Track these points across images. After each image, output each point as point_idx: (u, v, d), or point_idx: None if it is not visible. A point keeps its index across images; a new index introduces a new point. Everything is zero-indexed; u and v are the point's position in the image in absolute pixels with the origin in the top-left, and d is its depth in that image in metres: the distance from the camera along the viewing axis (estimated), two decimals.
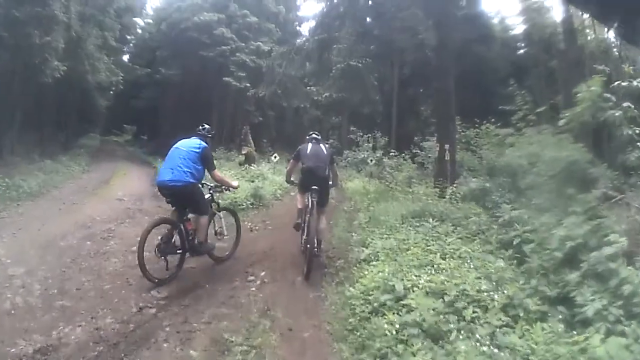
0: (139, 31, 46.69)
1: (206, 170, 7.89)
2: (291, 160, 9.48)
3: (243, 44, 36.54)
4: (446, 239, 8.93)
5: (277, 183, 19.23)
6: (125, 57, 46.30)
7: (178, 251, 7.61)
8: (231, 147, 33.44)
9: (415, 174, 21.94)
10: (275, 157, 24.24)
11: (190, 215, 7.87)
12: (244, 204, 15.05)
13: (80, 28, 25.33)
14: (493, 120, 20.45)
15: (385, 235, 9.89)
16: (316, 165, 8.60)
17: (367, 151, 30.62)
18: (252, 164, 23.34)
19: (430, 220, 10.55)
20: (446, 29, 17.79)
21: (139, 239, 7.09)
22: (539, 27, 30.15)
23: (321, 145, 9.03)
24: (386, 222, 11.15)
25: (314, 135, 9.21)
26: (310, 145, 8.95)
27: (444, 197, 13.50)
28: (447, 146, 16.84)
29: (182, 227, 7.62)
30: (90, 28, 27.39)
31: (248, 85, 34.27)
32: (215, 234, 8.70)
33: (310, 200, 8.36)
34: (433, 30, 19.08)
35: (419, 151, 25.27)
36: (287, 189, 17.50)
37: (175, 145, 7.73)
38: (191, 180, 7.39)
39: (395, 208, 12.73)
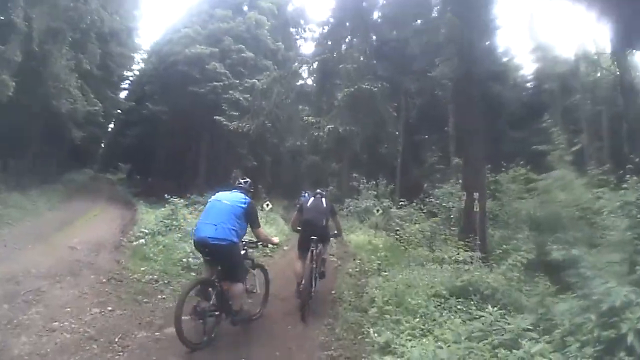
0: (130, 62, 44.82)
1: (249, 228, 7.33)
2: (296, 213, 9.89)
3: (237, 81, 33.99)
4: (525, 345, 5.34)
5: (270, 235, 16.07)
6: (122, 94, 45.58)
7: (216, 312, 6.88)
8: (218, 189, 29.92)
9: (429, 226, 18.70)
10: (267, 205, 21.10)
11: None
12: None
13: (44, 43, 22.29)
14: (522, 162, 18.25)
15: (419, 331, 6.73)
16: (315, 217, 9.18)
17: (370, 199, 28.01)
18: None
19: (485, 305, 7.17)
20: (470, 58, 15.51)
21: (176, 301, 6.48)
22: (553, 63, 28.06)
23: (322, 199, 9.58)
24: (415, 305, 7.80)
25: (318, 191, 9.94)
26: (312, 199, 9.57)
27: (486, 263, 10.47)
28: (476, 195, 14.16)
29: (219, 286, 6.87)
30: (59, 45, 24.04)
31: (240, 124, 31.32)
32: (247, 291, 7.71)
33: (310, 252, 8.94)
34: (457, 60, 16.48)
35: (431, 200, 22.33)
36: (277, 247, 14.50)
37: (216, 198, 7.17)
38: (235, 239, 6.79)
39: (421, 278, 9.61)
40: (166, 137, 39.24)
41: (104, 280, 9.56)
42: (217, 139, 36.36)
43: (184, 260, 11.14)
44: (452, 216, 19.45)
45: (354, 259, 15.33)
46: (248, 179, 7.85)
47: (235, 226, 6.73)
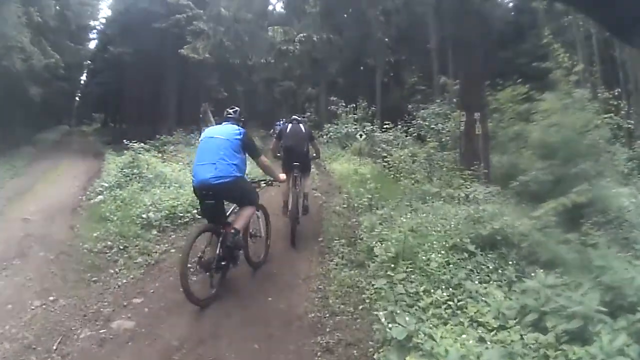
0: (95, 11, 43.28)
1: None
2: (274, 140, 10.23)
3: (201, 11, 31.30)
4: (601, 336, 3.65)
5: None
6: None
7: (222, 263, 6.35)
8: (193, 129, 28.06)
9: (422, 152, 17.04)
10: None
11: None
12: (188, 212, 10.14)
13: None
14: (520, 80, 16.45)
15: (447, 310, 4.90)
16: (295, 144, 9.28)
17: (351, 124, 26.72)
18: None
19: (525, 264, 5.66)
20: None
21: (180, 254, 6.00)
22: None
23: (300, 125, 9.59)
24: (433, 266, 5.97)
25: (294, 117, 9.98)
26: (290, 125, 9.59)
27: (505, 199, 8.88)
28: (477, 115, 12.58)
29: (224, 232, 6.37)
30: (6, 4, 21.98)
31: (207, 56, 29.20)
32: (250, 236, 7.36)
33: (293, 177, 9.04)
34: None
35: (418, 122, 20.89)
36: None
37: (207, 135, 6.64)
38: (238, 174, 6.30)
39: (430, 222, 7.90)
40: (133, 80, 37.23)
41: (52, 257, 7.82)
42: (184, 75, 34.52)
43: (144, 216, 9.44)
44: (443, 140, 17.95)
45: (340, 192, 13.92)
46: (236, 107, 7.22)
47: (235, 160, 6.29)
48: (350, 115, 27.24)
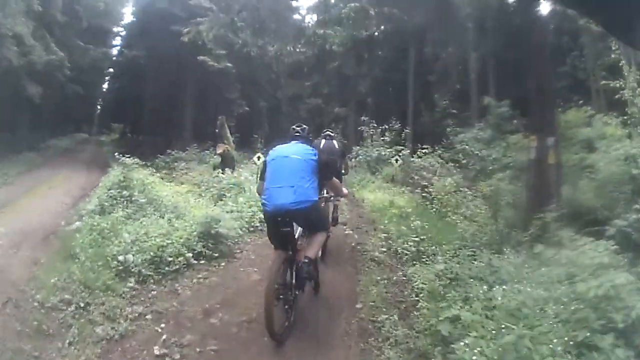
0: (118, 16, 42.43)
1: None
2: None
3: (224, 15, 28.87)
4: None
5: (259, 202, 12.42)
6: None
7: (297, 292, 5.94)
8: (210, 144, 25.93)
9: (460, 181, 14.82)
10: (259, 157, 16.97)
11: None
12: (181, 256, 7.72)
13: None
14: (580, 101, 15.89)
15: None
16: (330, 159, 8.48)
17: (382, 146, 24.59)
18: (229, 168, 17.34)
19: None
20: None
21: (265, 288, 5.28)
22: None
23: (334, 141, 9.56)
24: None
25: (327, 132, 9.85)
26: (323, 141, 9.45)
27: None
28: (550, 140, 10.18)
29: (297, 262, 5.84)
30: None
31: (229, 65, 27.15)
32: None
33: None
34: None
35: (456, 146, 19.14)
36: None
37: (280, 154, 5.96)
38: (315, 197, 5.82)
39: (527, 295, 5.20)
40: (150, 88, 35.32)
41: None
42: (203, 85, 32.58)
43: (121, 258, 7.03)
44: (490, 169, 15.81)
45: (375, 229, 11.63)
46: (304, 125, 6.69)
47: (313, 183, 5.81)
48: (381, 138, 25.09)
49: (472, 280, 6.20)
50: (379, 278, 7.61)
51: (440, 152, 19.93)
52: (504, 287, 5.53)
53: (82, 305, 5.75)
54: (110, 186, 11.39)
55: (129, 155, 12.31)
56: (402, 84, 33.16)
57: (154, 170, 16.99)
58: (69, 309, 5.64)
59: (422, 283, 6.73)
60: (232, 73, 28.21)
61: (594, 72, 24.25)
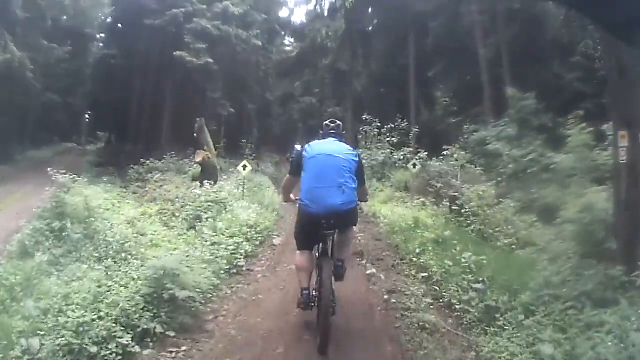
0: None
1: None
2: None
3: (204, 6, 27.35)
4: None
5: (244, 227, 10.08)
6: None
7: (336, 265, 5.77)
8: (190, 151, 22.61)
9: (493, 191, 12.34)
10: (244, 167, 14.41)
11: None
12: (113, 340, 4.61)
13: None
14: None
15: None
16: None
17: (387, 149, 21.99)
18: (210, 180, 14.12)
19: None
20: None
21: (320, 287, 5.10)
22: None
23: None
24: None
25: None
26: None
27: None
28: None
29: (331, 265, 5.56)
30: None
31: (210, 61, 24.71)
32: None
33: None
34: None
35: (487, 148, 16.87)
36: (255, 252, 9.41)
37: (322, 152, 5.50)
38: (356, 199, 5.60)
39: None
40: (130, 92, 33.21)
41: None
42: (182, 85, 29.81)
43: (24, 343, 4.23)
44: (529, 171, 13.57)
45: (404, 262, 8.85)
46: (337, 121, 6.08)
47: (354, 185, 5.40)
48: (387, 139, 22.24)
49: None
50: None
51: (458, 153, 16.92)
52: None
53: None
54: (41, 213, 8.54)
55: (109, 167, 9.92)
56: (400, 80, 31.20)
57: (124, 185, 16.16)
58: None
59: None
60: (214, 70, 25.38)
61: None
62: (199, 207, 11.17)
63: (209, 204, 11.35)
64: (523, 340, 4.86)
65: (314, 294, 5.31)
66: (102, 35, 41.83)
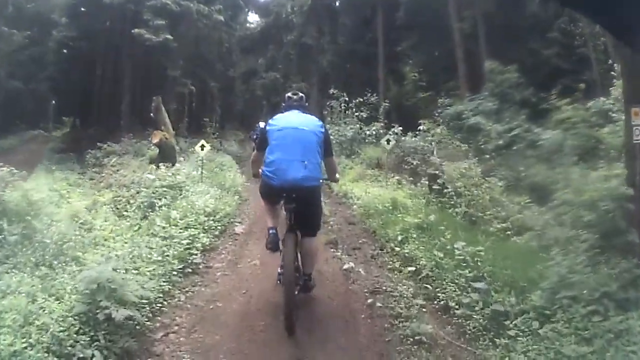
0: None
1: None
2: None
3: None
4: None
5: (201, 215, 8.97)
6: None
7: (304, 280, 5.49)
8: (148, 132, 20.83)
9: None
10: (202, 147, 13.47)
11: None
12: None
13: None
14: None
15: None
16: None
17: (355, 124, 20.92)
18: (168, 162, 13.06)
19: None
20: None
21: (284, 273, 4.98)
22: None
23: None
24: None
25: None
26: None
27: None
28: None
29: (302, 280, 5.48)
30: None
31: (169, 37, 24.19)
32: None
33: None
34: None
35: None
36: (214, 244, 8.25)
37: (289, 124, 5.32)
38: (321, 176, 5.46)
39: None
40: (91, 74, 31.97)
41: None
42: (141, 64, 28.52)
43: None
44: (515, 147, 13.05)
45: (381, 248, 7.98)
46: (301, 93, 5.90)
47: (320, 160, 5.29)
48: (355, 114, 21.17)
49: None
50: None
51: (434, 129, 15.89)
52: None
53: None
54: None
55: (70, 152, 9.04)
56: (368, 55, 30.33)
57: (82, 172, 15.67)
58: None
59: None
60: (173, 47, 24.41)
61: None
62: (153, 193, 9.98)
63: (164, 189, 10.18)
64: (542, 356, 3.96)
65: (280, 264, 5.26)
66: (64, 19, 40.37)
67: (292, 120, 5.38)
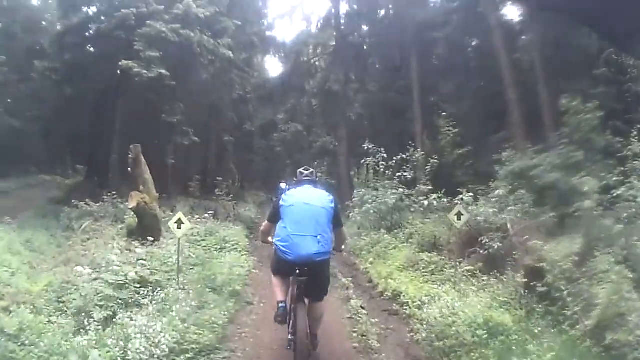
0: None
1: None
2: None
3: (161, 7, 22.32)
4: None
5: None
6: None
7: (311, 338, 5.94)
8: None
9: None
10: (179, 224, 8.59)
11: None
12: None
13: None
14: None
15: None
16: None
17: (396, 189, 16.35)
18: (150, 236, 10.31)
19: None
20: None
21: (293, 329, 5.40)
22: None
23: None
24: None
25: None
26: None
27: None
28: None
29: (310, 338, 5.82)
30: None
31: (164, 73, 20.42)
32: None
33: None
34: None
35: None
36: None
37: (300, 200, 5.63)
38: (330, 249, 5.68)
39: None
40: (70, 114, 29.04)
41: None
42: (132, 104, 24.62)
43: None
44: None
45: None
46: (311, 168, 6.29)
47: (330, 233, 5.62)
48: (397, 174, 16.84)
49: None
50: None
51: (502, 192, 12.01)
52: None
53: None
54: None
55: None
56: (402, 105, 27.56)
57: (54, 234, 13.92)
58: None
59: None
60: (170, 86, 20.59)
61: None
62: (97, 294, 6.57)
63: (111, 290, 6.64)
64: None
65: (290, 331, 5.48)
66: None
67: (304, 196, 5.70)
